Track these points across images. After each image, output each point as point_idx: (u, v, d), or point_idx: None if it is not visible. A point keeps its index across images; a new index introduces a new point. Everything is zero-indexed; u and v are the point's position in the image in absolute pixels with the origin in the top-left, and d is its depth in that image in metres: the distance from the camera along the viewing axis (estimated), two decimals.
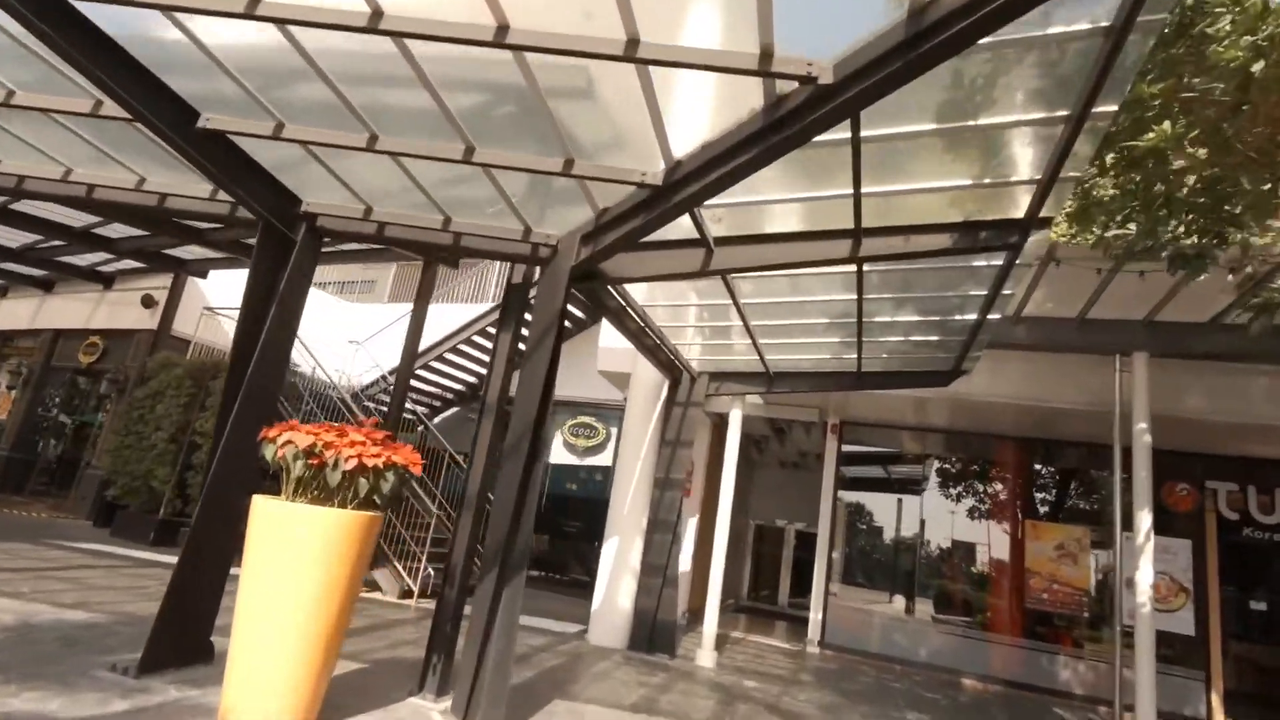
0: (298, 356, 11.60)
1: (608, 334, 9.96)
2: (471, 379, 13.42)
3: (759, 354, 7.38)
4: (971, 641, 9.50)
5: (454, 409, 14.24)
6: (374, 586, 8.75)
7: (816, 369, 7.89)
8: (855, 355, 7.15)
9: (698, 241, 4.73)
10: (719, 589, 7.94)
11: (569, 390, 12.38)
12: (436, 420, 14.32)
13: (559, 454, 12.89)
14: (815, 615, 10.04)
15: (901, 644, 9.82)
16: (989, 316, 5.76)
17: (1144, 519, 6.53)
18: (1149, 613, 6.40)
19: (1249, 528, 8.72)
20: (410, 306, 13.24)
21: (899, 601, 10.33)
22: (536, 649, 6.81)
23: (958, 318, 6.19)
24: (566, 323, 12.87)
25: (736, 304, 6.09)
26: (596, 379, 11.65)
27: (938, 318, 6.39)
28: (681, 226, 4.56)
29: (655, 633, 7.66)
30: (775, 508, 15.61)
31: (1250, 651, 8.62)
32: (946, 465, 10.86)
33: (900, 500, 11.34)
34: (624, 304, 6.45)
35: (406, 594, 8.58)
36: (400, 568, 8.71)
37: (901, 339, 6.98)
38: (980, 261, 5.07)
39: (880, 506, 11.55)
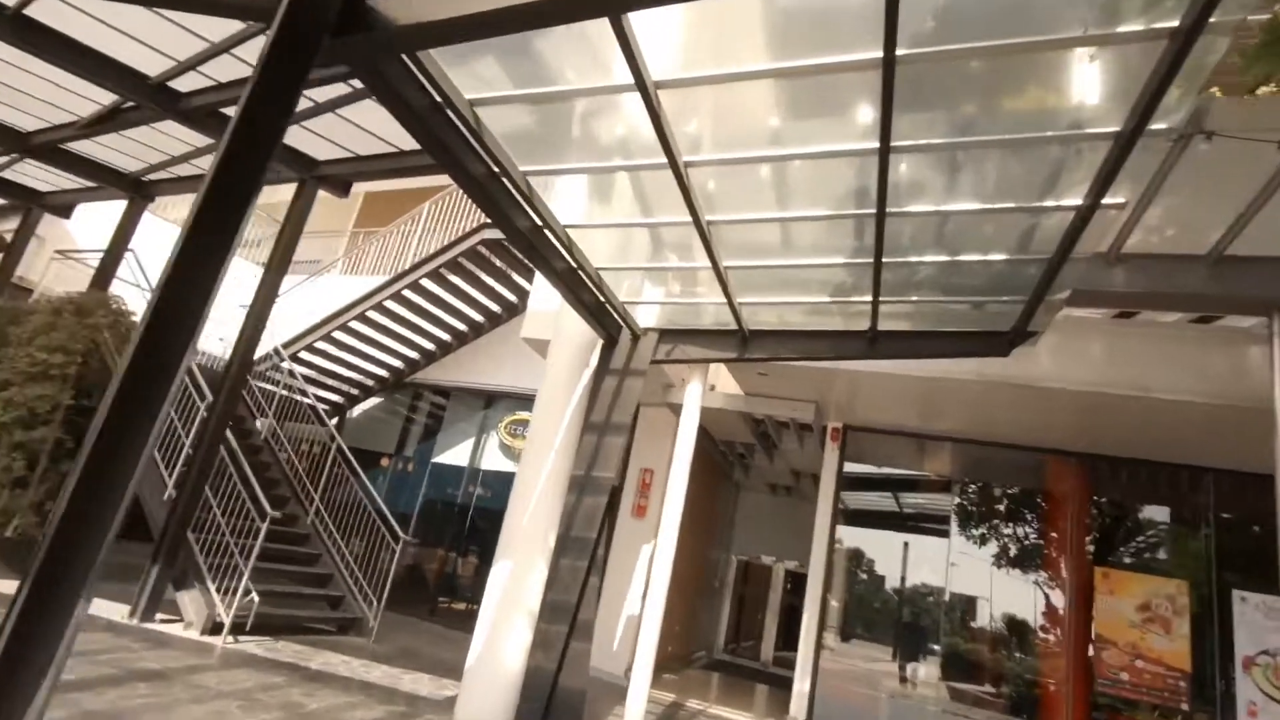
0: None
1: (540, 294, 7.58)
2: (398, 363, 11.01)
3: (728, 299, 4.96)
4: None
5: (376, 398, 11.78)
6: (177, 614, 6.22)
7: (811, 326, 5.44)
8: (869, 302, 4.71)
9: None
10: (652, 646, 5.39)
11: (505, 379, 9.96)
12: (356, 411, 11.87)
13: (493, 458, 10.40)
14: (801, 685, 7.40)
15: None
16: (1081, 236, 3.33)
17: None
18: None
19: None
20: (328, 267, 10.92)
21: (919, 671, 7.66)
22: None
23: (1027, 253, 3.86)
24: (500, 305, 10.40)
25: (698, 221, 3.73)
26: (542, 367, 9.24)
27: (1000, 249, 4.00)
28: None
29: (553, 707, 5.08)
30: (763, 541, 13.00)
31: None
32: (982, 492, 8.28)
33: (914, 541, 8.77)
34: (540, 222, 4.11)
35: (215, 628, 6.04)
36: (214, 589, 6.18)
37: (940, 279, 4.57)
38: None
39: (891, 547, 8.97)
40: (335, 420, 11.78)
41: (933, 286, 4.73)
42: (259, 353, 9.98)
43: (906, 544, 8.96)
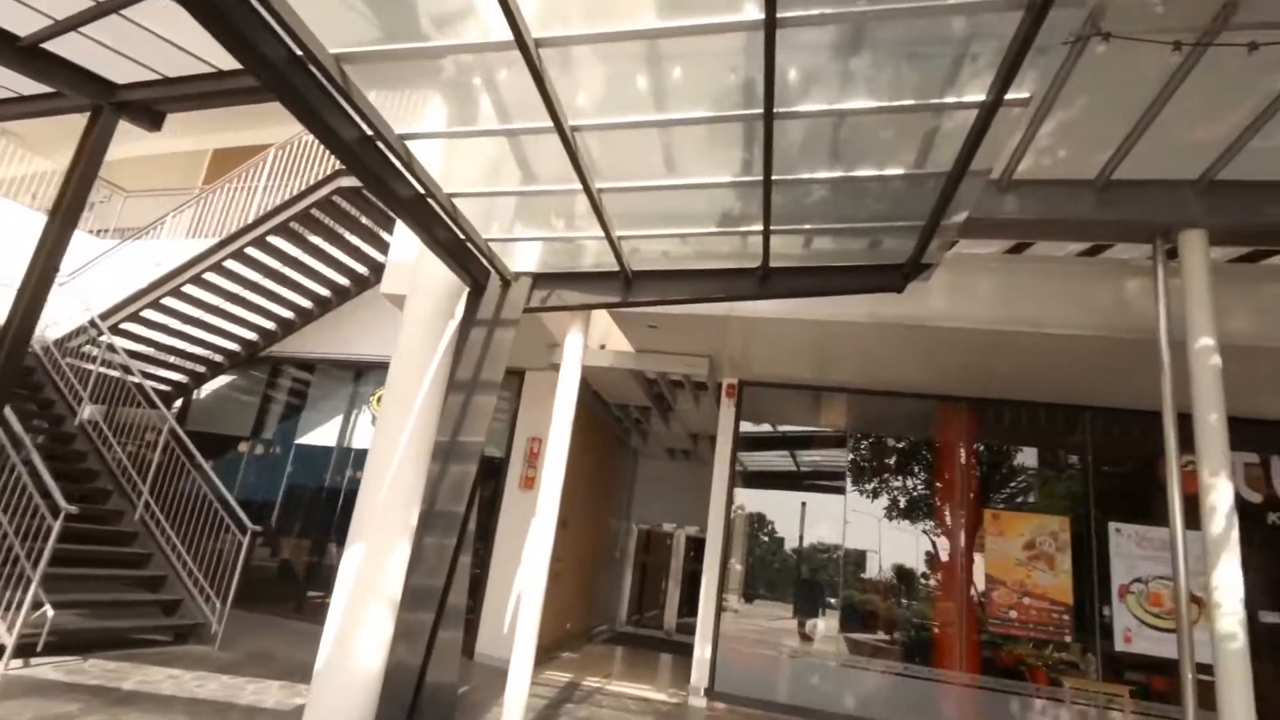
0: None
1: (401, 244, 6.74)
2: (251, 335, 9.74)
3: (607, 234, 4.37)
4: (916, 683, 6.79)
5: (228, 376, 10.43)
6: None
7: (700, 265, 4.95)
8: (760, 232, 4.26)
9: None
10: (532, 629, 4.82)
11: (375, 348, 9.01)
12: (205, 392, 10.50)
13: (366, 436, 9.43)
14: (702, 652, 7.07)
15: (822, 688, 6.99)
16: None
17: (1220, 493, 3.90)
18: (1241, 648, 3.73)
19: (1276, 513, 6.47)
20: (153, 227, 9.63)
21: (818, 627, 7.51)
22: None
23: (925, 168, 3.52)
24: (367, 266, 9.35)
25: (560, 128, 3.08)
26: None
27: (898, 163, 3.64)
28: None
29: (419, 707, 4.42)
30: (664, 509, 12.70)
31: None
32: (875, 446, 8.20)
33: (811, 499, 8.63)
34: (369, 130, 3.34)
35: None
36: None
37: (833, 205, 4.18)
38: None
39: (789, 507, 8.82)
40: (180, 402, 10.37)
41: (826, 214, 4.34)
42: (72, 325, 8.54)
43: (804, 503, 8.85)
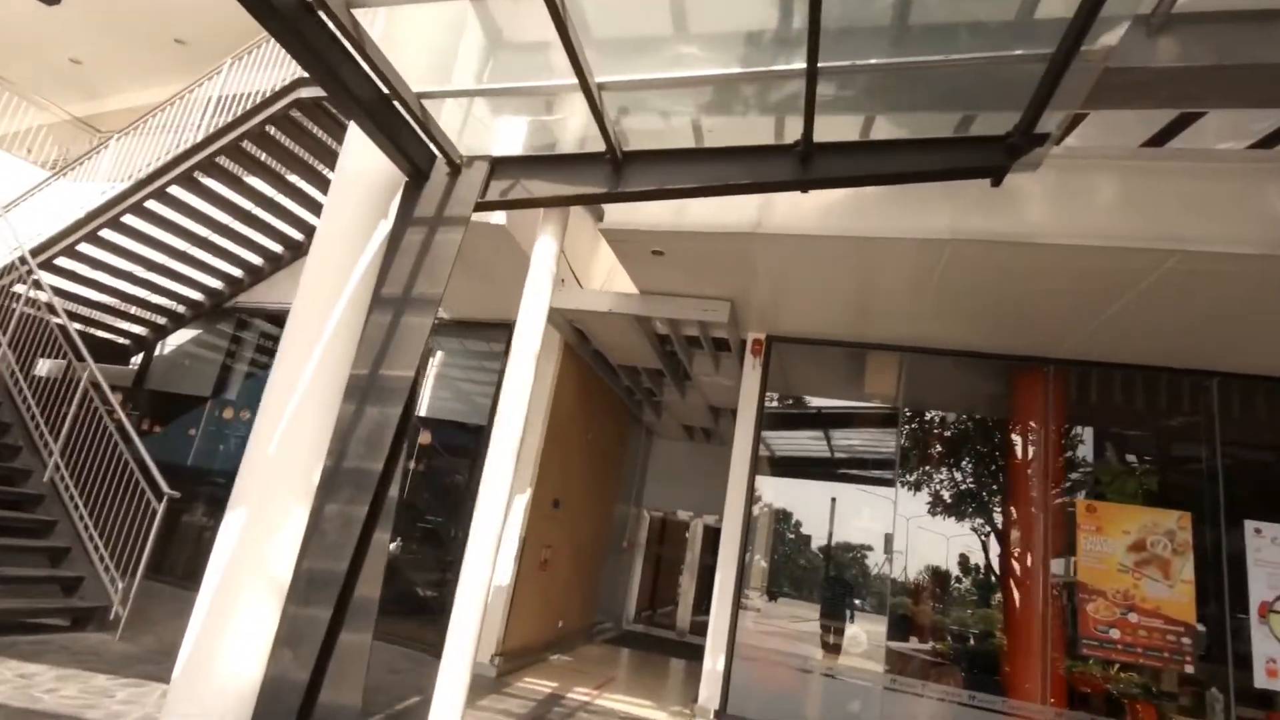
0: None
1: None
2: (215, 282, 8.64)
3: (592, 99, 3.07)
4: (984, 716, 5.37)
5: (193, 329, 9.34)
6: None
7: (716, 142, 3.60)
8: (801, 72, 2.89)
9: None
10: (470, 633, 3.53)
11: None
12: (169, 346, 9.44)
13: None
14: (714, 663, 5.73)
15: (864, 717, 5.61)
16: None
17: None
18: None
19: None
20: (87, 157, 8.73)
21: (859, 638, 6.13)
22: None
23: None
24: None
25: None
26: None
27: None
28: None
29: None
30: (680, 494, 11.35)
31: None
32: (934, 424, 6.77)
33: (852, 489, 7.26)
34: None
35: None
36: None
37: (903, 65, 2.83)
38: None
39: (821, 498, 7.45)
40: (139, 358, 9.33)
41: (895, 46, 2.96)
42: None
43: (841, 493, 7.46)
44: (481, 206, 3.81)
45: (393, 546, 7.91)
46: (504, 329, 7.40)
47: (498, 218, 5.16)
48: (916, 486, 6.52)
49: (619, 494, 10.22)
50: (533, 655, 7.11)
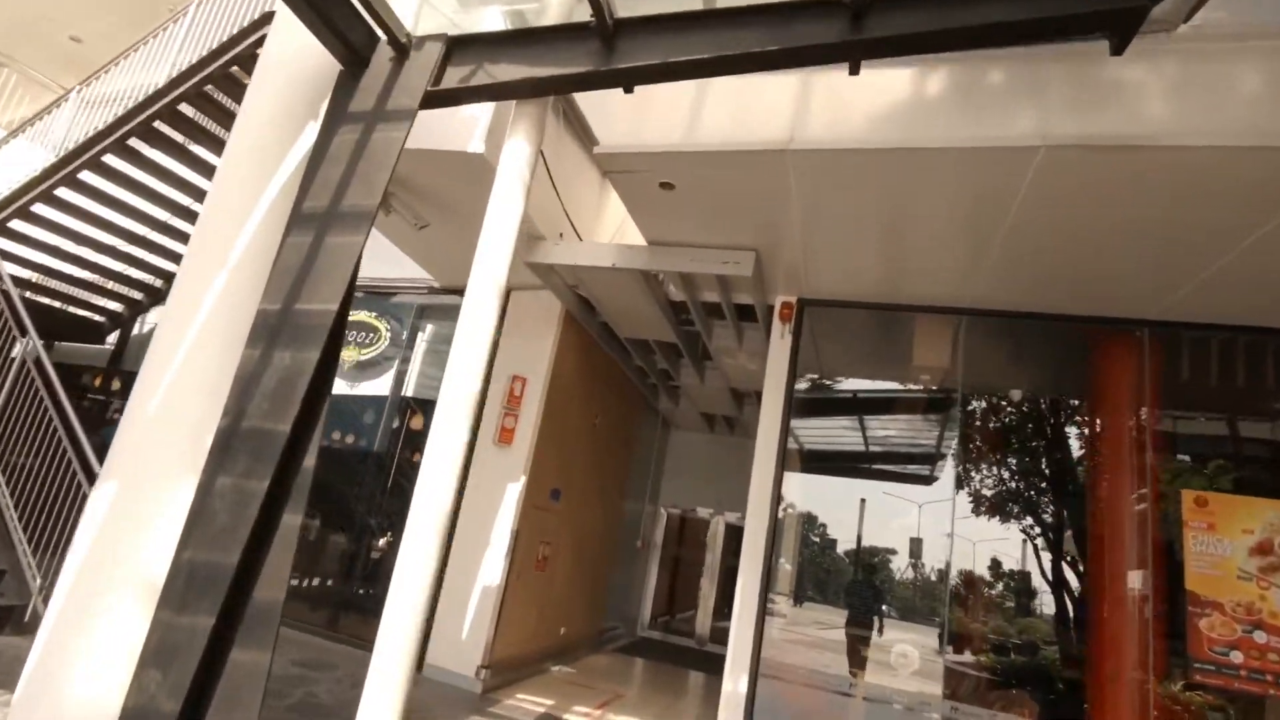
0: None
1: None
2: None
3: None
4: None
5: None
6: None
7: (736, 0, 2.70)
8: None
9: None
10: (407, 646, 2.62)
11: (370, 268, 7.00)
12: (149, 324, 8.80)
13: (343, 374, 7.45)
14: (735, 684, 4.82)
15: None
16: None
17: None
18: None
19: None
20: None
21: (908, 657, 5.18)
22: None
23: None
24: None
25: None
26: (380, 243, 6.41)
27: None
28: None
29: None
30: (699, 490, 10.44)
31: None
32: (996, 408, 5.81)
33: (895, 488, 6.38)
34: None
35: None
36: None
37: None
38: None
39: (857, 497, 6.54)
40: (115, 335, 8.68)
41: None
42: None
43: (866, 497, 6.54)
44: (433, 98, 2.96)
45: (382, 543, 7.13)
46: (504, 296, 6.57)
47: (475, 144, 4.31)
48: (971, 481, 5.56)
49: (632, 488, 9.34)
50: (530, 667, 6.26)
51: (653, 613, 10.25)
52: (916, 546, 5.65)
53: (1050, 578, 5.21)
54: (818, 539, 7.65)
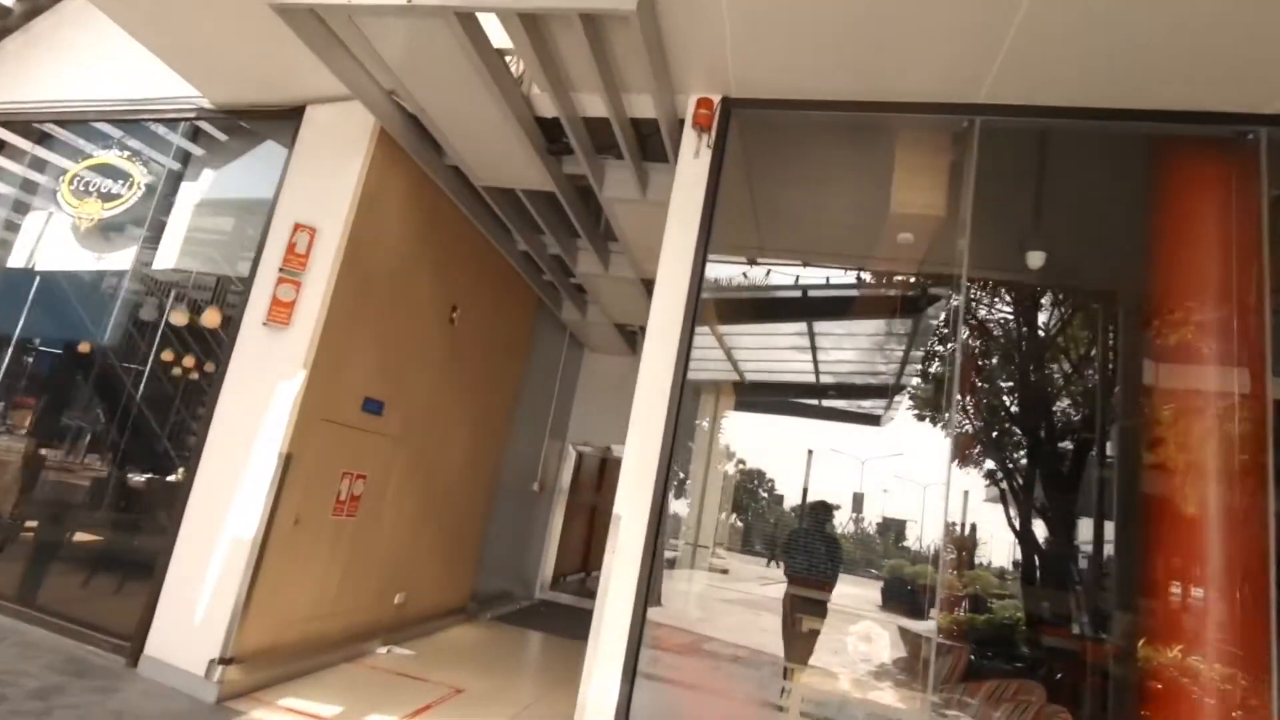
0: None
1: None
2: None
3: None
4: None
5: None
6: None
7: None
8: None
9: None
10: None
11: (63, 91, 4.85)
12: None
13: (58, 245, 5.36)
14: (598, 690, 2.96)
15: None
16: None
17: None
18: None
19: None
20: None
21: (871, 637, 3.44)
22: None
23: None
24: None
25: None
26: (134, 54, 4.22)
27: None
28: None
29: None
30: (617, 425, 8.59)
31: None
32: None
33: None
34: None
35: None
36: None
37: None
38: None
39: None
40: None
41: None
42: None
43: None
44: None
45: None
46: (290, 119, 4.42)
47: None
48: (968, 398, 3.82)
49: (526, 419, 7.39)
50: (320, 655, 4.28)
51: (556, 571, 8.43)
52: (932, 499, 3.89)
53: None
54: (768, 490, 6.42)
